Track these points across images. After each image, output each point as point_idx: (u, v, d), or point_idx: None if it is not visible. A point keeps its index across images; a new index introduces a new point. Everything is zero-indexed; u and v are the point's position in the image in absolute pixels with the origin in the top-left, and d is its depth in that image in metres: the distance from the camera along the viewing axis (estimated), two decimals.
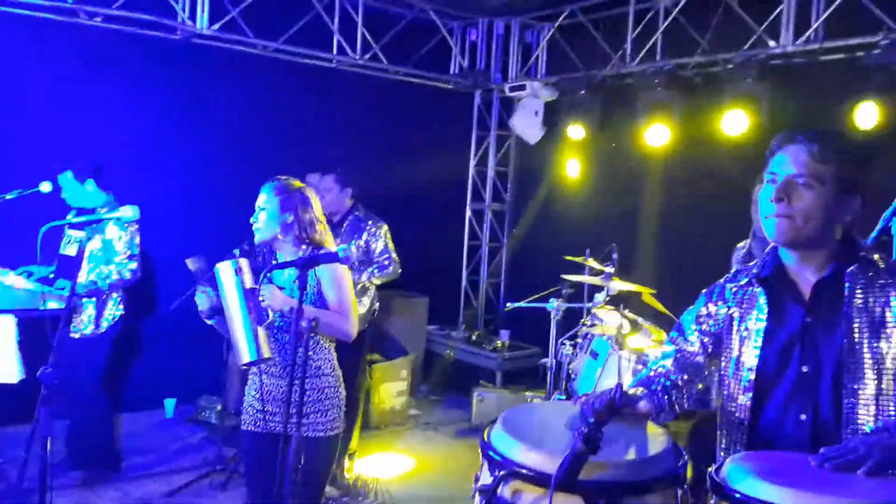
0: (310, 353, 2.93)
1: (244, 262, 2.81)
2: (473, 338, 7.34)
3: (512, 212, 8.19)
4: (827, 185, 1.82)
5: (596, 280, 4.47)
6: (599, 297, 4.34)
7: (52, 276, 4.53)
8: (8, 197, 4.32)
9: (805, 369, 1.89)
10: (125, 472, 4.88)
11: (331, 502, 4.49)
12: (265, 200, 3.05)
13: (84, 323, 4.49)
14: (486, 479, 1.77)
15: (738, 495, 1.60)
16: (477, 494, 1.75)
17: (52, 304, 4.12)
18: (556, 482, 1.56)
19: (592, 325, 4.35)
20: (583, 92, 6.59)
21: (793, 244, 1.91)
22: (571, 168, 7.15)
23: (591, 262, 4.72)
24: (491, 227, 8.20)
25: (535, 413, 2.03)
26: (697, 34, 5.89)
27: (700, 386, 2.16)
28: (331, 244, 3.10)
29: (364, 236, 5.02)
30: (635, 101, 6.18)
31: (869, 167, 1.90)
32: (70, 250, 4.51)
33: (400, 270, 5.05)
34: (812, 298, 1.92)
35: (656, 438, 1.83)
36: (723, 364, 2.06)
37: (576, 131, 6.68)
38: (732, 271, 2.18)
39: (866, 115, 4.72)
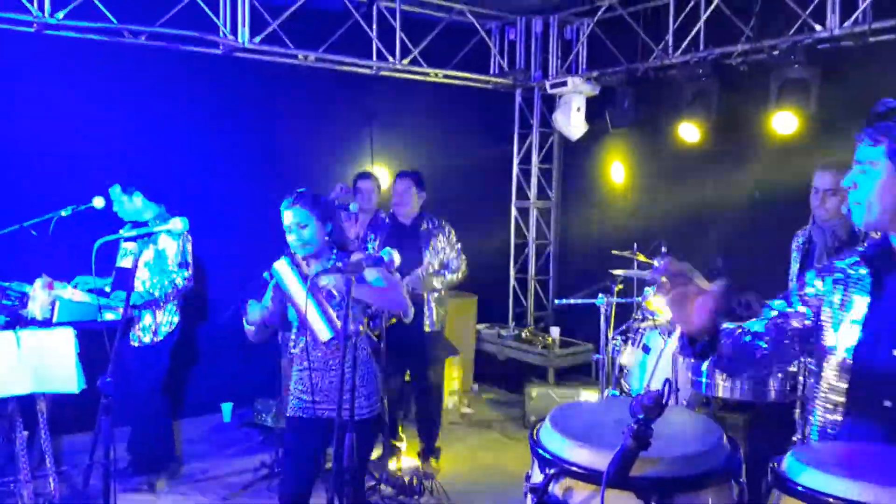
0: (359, 343, 3.14)
1: (297, 258, 3.02)
2: (524, 335, 7.33)
3: (558, 208, 8.15)
4: (881, 168, 1.83)
5: (645, 274, 4.43)
6: (649, 291, 4.29)
7: (108, 289, 4.66)
8: (63, 213, 4.45)
9: None
10: (185, 477, 5.00)
11: (387, 501, 4.52)
12: (302, 216, 3.16)
13: (143, 332, 4.61)
14: (537, 477, 1.77)
15: (800, 489, 1.56)
16: (528, 493, 1.76)
17: (110, 316, 4.24)
18: (608, 479, 1.56)
19: (643, 320, 4.31)
20: (625, 86, 6.54)
21: (872, 228, 1.91)
22: (615, 163, 7.10)
23: (640, 256, 4.68)
24: (537, 225, 8.17)
25: (584, 410, 2.02)
26: (741, 22, 5.79)
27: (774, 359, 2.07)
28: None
29: (440, 239, 5.18)
30: (679, 92, 6.10)
31: None
32: (125, 262, 4.64)
33: (465, 270, 5.19)
34: None
35: (709, 432, 1.81)
36: (820, 345, 1.99)
37: (619, 125, 6.62)
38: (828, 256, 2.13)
39: None
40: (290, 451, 3.36)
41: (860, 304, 1.91)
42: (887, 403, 1.82)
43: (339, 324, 2.89)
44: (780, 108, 5.40)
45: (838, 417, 1.90)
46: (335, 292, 3.08)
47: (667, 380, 1.60)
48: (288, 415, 3.32)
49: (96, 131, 5.53)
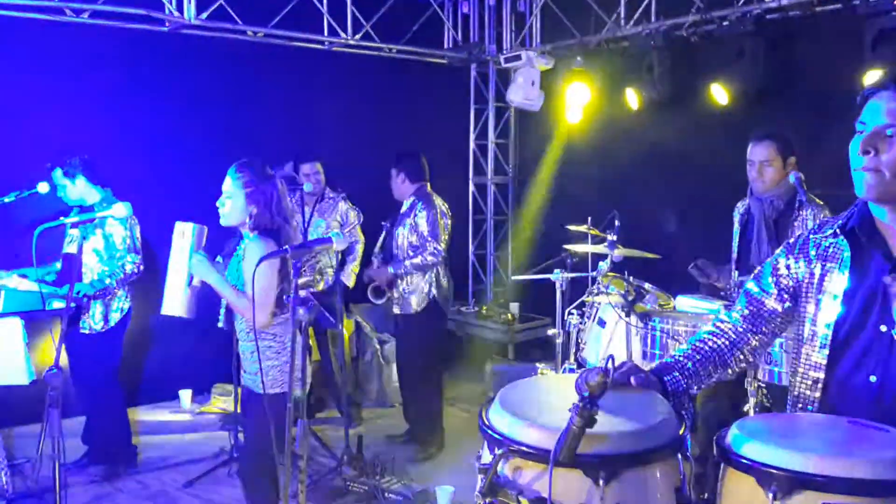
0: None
1: (205, 230, 3.11)
2: (483, 311, 7.35)
3: (515, 184, 8.14)
4: None
5: (598, 248, 4.45)
6: (603, 265, 4.31)
7: (47, 276, 4.55)
8: (6, 200, 4.32)
9: (883, 329, 1.77)
10: (143, 465, 4.94)
11: (348, 482, 4.51)
12: (231, 187, 3.18)
13: (93, 319, 4.51)
14: (487, 457, 1.76)
15: (744, 461, 1.58)
16: (478, 473, 1.74)
17: (58, 304, 4.14)
18: (555, 458, 1.55)
19: (598, 294, 4.32)
20: (578, 58, 6.52)
21: (881, 199, 1.77)
22: (571, 136, 7.10)
23: (594, 231, 4.69)
24: (495, 200, 8.16)
25: (533, 389, 2.01)
26: None
27: (762, 344, 2.06)
28: (294, 236, 3.28)
29: (410, 220, 5.14)
30: (632, 63, 6.11)
31: None
32: (71, 249, 4.53)
33: (431, 258, 5.08)
34: None
35: (657, 406, 1.81)
36: (799, 320, 1.95)
37: (573, 99, 6.61)
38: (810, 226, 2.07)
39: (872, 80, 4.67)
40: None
41: (840, 277, 1.85)
42: (873, 378, 1.78)
43: (187, 308, 2.96)
44: (719, 80, 5.49)
45: (817, 394, 1.88)
46: (195, 279, 3.26)
47: (610, 356, 1.59)
48: None
49: (39, 114, 5.37)
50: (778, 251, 2.05)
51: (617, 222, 4.45)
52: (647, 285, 4.20)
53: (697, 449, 3.71)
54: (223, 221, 3.23)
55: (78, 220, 3.57)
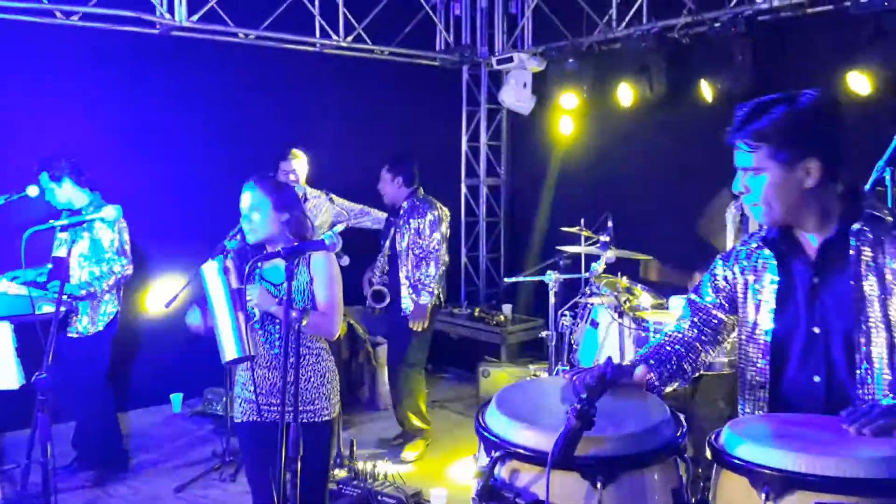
0: (305, 340, 2.97)
1: (230, 263, 2.78)
2: (476, 314, 7.33)
3: (507, 186, 8.14)
4: (770, 165, 1.83)
5: (591, 249, 4.44)
6: (596, 266, 4.30)
7: (38, 277, 4.51)
8: None
9: (816, 330, 1.88)
10: (135, 470, 4.90)
11: (340, 485, 4.49)
12: (255, 200, 3.02)
13: (81, 323, 4.48)
14: (484, 460, 1.75)
15: (737, 461, 1.59)
16: (475, 476, 1.73)
17: (48, 308, 4.09)
18: (552, 460, 1.54)
19: (591, 295, 4.32)
20: (570, 60, 6.52)
21: (778, 224, 1.92)
22: (563, 138, 7.10)
23: (586, 232, 4.69)
24: (487, 202, 8.15)
25: (530, 391, 2.00)
26: None
27: (711, 353, 2.14)
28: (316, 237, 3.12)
29: (414, 224, 5.08)
30: (623, 65, 6.11)
31: (816, 125, 1.84)
32: (60, 252, 4.49)
33: (444, 268, 5.10)
34: (819, 259, 1.90)
35: (654, 409, 1.81)
36: (740, 328, 2.05)
37: (566, 100, 6.61)
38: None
39: (858, 83, 4.72)
40: (248, 461, 3.24)
41: (770, 286, 1.96)
42: (817, 379, 1.88)
43: (249, 346, 2.73)
44: (709, 80, 5.56)
45: (764, 394, 1.97)
46: (257, 312, 2.99)
47: (608, 358, 1.58)
48: (236, 420, 3.15)
49: (29, 116, 5.33)
50: (715, 261, 2.14)
51: (610, 223, 4.45)
52: (639, 287, 4.20)
53: (691, 450, 3.71)
54: (252, 238, 3.05)
55: (67, 223, 3.54)
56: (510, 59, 7.15)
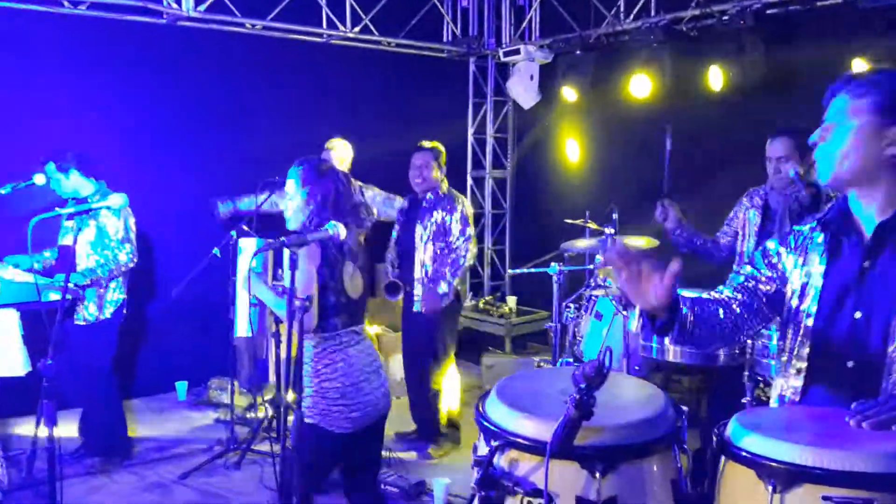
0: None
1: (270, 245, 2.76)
2: (481, 305, 7.34)
3: (513, 178, 8.13)
4: (863, 120, 1.80)
5: (595, 242, 4.44)
6: (599, 258, 4.30)
7: (36, 265, 4.53)
8: (2, 192, 4.31)
9: (858, 315, 1.84)
10: (140, 457, 4.92)
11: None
12: (292, 189, 3.00)
13: (87, 311, 4.50)
14: (483, 449, 1.76)
15: (744, 454, 1.57)
16: (474, 466, 1.74)
17: (53, 296, 4.12)
18: (551, 450, 1.55)
19: (595, 287, 4.32)
20: (578, 52, 6.51)
21: (835, 184, 1.89)
22: (569, 130, 7.08)
23: (591, 224, 4.68)
24: (493, 194, 8.15)
25: (530, 381, 2.01)
26: None
27: (753, 327, 2.04)
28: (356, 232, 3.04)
29: (438, 213, 4.91)
30: (631, 58, 6.10)
31: None
32: (66, 240, 4.51)
33: (468, 259, 4.92)
34: (873, 241, 1.86)
35: (653, 399, 1.81)
36: (783, 310, 2.01)
37: (572, 93, 6.60)
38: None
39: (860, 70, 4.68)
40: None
41: (818, 268, 1.93)
42: (850, 364, 1.83)
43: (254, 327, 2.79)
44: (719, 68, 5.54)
45: (799, 383, 1.92)
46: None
47: (607, 348, 1.59)
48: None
49: (36, 106, 5.34)
50: (771, 241, 2.10)
51: (615, 216, 4.44)
52: None
53: (697, 443, 3.72)
54: (289, 226, 3.05)
55: (73, 211, 3.55)
56: (517, 52, 7.13)
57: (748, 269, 2.10)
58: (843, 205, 1.93)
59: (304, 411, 2.78)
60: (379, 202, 5.56)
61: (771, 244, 2.08)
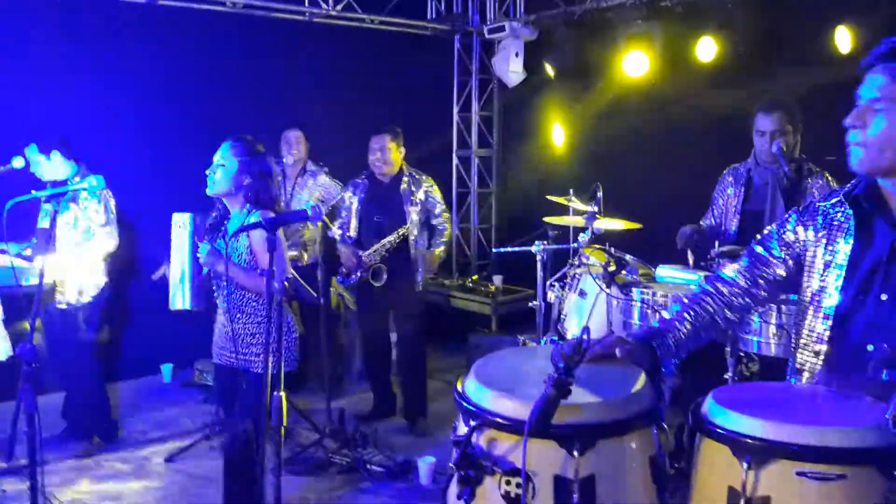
0: (251, 297, 3.18)
1: (198, 219, 3.08)
2: (467, 284, 7.33)
3: (499, 156, 8.10)
4: None
5: (578, 220, 4.43)
6: (583, 236, 4.29)
7: (22, 251, 4.49)
8: None
9: (884, 297, 1.76)
10: (125, 440, 4.92)
11: (331, 455, 4.51)
12: (224, 157, 3.17)
13: (69, 294, 4.46)
14: (463, 430, 1.75)
15: (718, 430, 1.59)
16: (453, 446, 1.73)
17: (33, 280, 4.07)
18: (529, 429, 1.54)
19: (579, 265, 4.31)
20: (562, 29, 6.46)
21: (871, 173, 1.78)
22: (555, 108, 7.05)
23: (575, 203, 4.67)
24: (479, 173, 8.12)
25: (508, 361, 2.00)
26: None
27: (758, 308, 2.01)
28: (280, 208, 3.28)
29: (419, 194, 5.12)
30: (615, 34, 6.06)
31: None
32: (45, 223, 4.47)
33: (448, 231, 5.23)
34: None
35: (631, 377, 1.80)
36: (804, 290, 1.93)
37: (557, 70, 6.56)
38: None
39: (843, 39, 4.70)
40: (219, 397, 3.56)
41: (845, 246, 1.84)
42: (870, 347, 1.76)
43: (195, 300, 3.11)
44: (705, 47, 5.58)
45: (819, 363, 1.86)
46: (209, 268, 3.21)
47: (585, 327, 1.58)
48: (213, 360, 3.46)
49: (12, 89, 5.26)
50: (787, 216, 2.03)
51: (599, 194, 4.42)
52: (627, 256, 4.19)
53: (676, 420, 3.72)
54: (210, 191, 3.21)
55: (50, 193, 3.50)
56: (502, 28, 7.08)
57: (760, 250, 2.03)
58: (872, 182, 1.83)
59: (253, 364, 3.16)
60: (330, 187, 5.56)
61: (790, 223, 1.99)
